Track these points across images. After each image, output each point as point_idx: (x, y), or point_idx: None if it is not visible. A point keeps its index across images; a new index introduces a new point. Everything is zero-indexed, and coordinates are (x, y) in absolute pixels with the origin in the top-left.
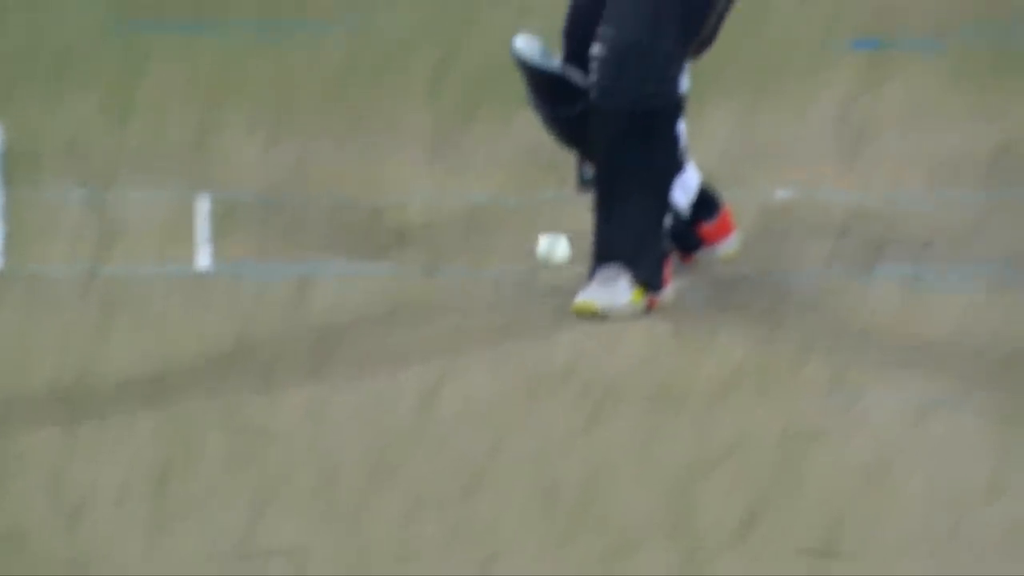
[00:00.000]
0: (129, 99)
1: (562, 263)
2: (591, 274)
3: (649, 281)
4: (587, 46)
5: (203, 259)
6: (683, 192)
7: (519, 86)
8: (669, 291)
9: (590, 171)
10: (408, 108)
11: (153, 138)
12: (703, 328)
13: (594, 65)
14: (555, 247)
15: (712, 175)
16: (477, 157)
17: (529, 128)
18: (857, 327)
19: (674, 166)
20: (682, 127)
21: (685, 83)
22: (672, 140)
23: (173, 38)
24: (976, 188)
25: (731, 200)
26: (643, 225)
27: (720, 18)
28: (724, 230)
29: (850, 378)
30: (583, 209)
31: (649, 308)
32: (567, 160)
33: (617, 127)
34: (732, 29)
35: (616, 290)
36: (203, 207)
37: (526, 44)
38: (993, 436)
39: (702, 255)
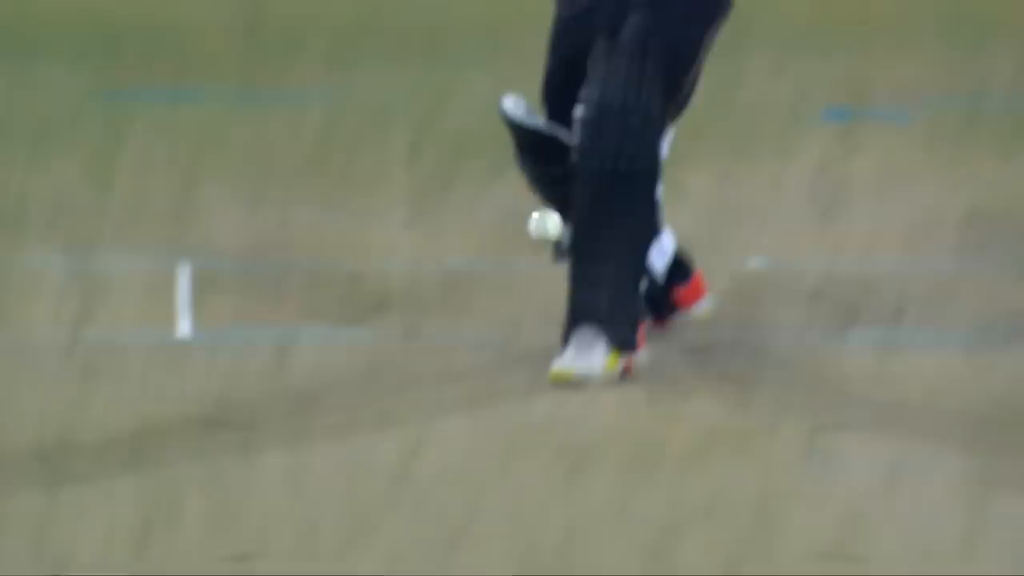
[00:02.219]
0: (111, 166)
1: (556, 237)
2: (565, 337)
3: (624, 343)
4: (567, 109)
5: (184, 324)
6: (659, 256)
7: (496, 153)
8: (643, 355)
9: (566, 241)
10: (387, 174)
11: (135, 204)
12: (678, 391)
13: (577, 127)
14: (547, 223)
15: (686, 242)
16: (455, 223)
17: (506, 195)
18: (831, 390)
19: (652, 229)
20: (660, 191)
21: (666, 147)
22: (652, 203)
23: (154, 106)
24: (947, 253)
25: (705, 267)
26: (619, 287)
27: (695, 82)
28: (697, 293)
29: (824, 441)
30: (559, 277)
31: (624, 373)
32: None
33: (598, 188)
34: (704, 99)
35: (592, 356)
36: (184, 272)
37: (513, 103)
38: (966, 499)
39: (676, 320)
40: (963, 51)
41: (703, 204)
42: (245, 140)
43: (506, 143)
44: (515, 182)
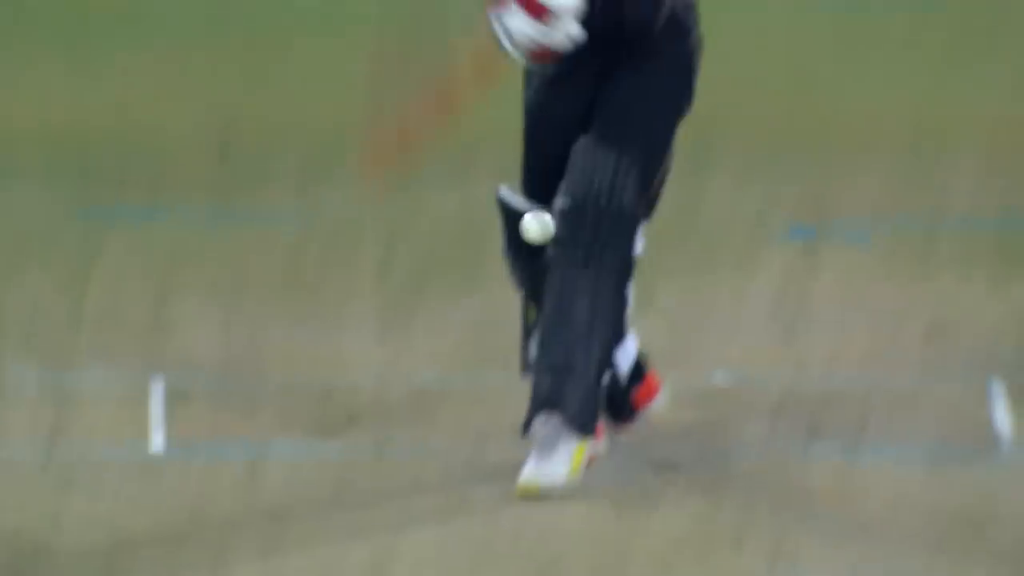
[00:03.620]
0: (85, 282)
1: (545, 235)
2: (526, 426)
3: (584, 428)
4: (548, 201)
5: (157, 438)
6: (624, 357)
7: (465, 269)
8: (603, 445)
9: (535, 354)
10: (358, 290)
11: (109, 320)
12: (644, 503)
13: (555, 218)
14: (544, 223)
15: (651, 354)
16: (425, 337)
17: (475, 310)
18: (795, 504)
19: (621, 323)
20: (632, 289)
21: (640, 244)
22: (623, 297)
23: (128, 223)
24: (909, 369)
25: (671, 379)
26: (583, 376)
27: (665, 174)
28: (653, 390)
29: (789, 553)
30: (527, 392)
31: (588, 464)
32: (513, 342)
33: (572, 278)
34: (668, 214)
35: (555, 461)
36: (158, 387)
37: (509, 192)
38: None
39: (635, 421)
40: (924, 169)
41: (668, 317)
42: (218, 257)
43: (474, 259)
44: (483, 297)
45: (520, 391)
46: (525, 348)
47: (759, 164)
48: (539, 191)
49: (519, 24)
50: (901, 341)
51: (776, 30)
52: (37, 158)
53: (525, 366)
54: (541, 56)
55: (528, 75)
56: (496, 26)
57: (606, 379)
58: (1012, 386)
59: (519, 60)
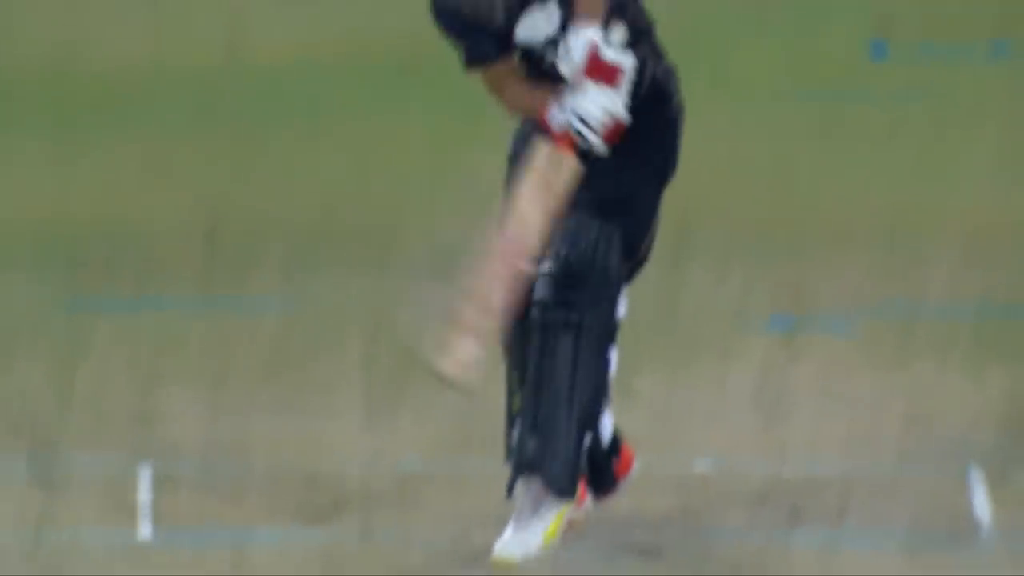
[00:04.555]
0: (73, 370)
1: None
2: (510, 487)
3: (564, 491)
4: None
5: (145, 525)
6: (607, 423)
7: None
8: (583, 511)
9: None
10: (343, 377)
11: (97, 408)
12: None
13: (540, 281)
14: None
15: (632, 446)
16: (409, 424)
17: (459, 398)
18: None
19: (604, 388)
20: (614, 355)
21: (623, 308)
22: (606, 361)
23: (116, 312)
24: (888, 457)
25: (651, 469)
26: (566, 439)
27: (652, 240)
28: (629, 461)
29: None
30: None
31: (568, 529)
32: (497, 429)
33: (555, 341)
34: (649, 304)
35: (532, 531)
36: (145, 474)
37: None
38: None
39: (615, 493)
40: (902, 258)
41: (650, 405)
42: (204, 344)
43: None
44: None
45: (504, 477)
46: (509, 434)
47: (739, 254)
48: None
49: (597, 100)
50: (880, 429)
51: (755, 121)
52: (25, 248)
53: (509, 452)
54: (614, 132)
55: (514, 153)
56: (568, 120)
57: (588, 442)
58: (991, 473)
59: (597, 147)
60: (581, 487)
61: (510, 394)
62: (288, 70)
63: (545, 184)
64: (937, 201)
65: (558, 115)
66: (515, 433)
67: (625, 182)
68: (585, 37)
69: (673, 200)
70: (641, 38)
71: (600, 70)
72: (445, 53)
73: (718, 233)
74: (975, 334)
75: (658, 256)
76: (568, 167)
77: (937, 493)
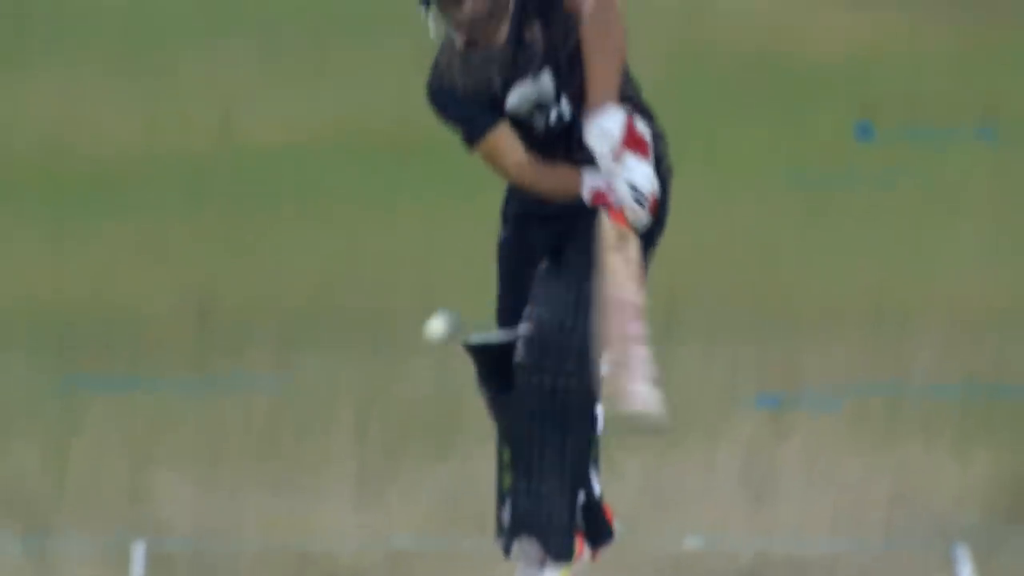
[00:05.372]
0: (68, 450)
1: (445, 333)
2: (507, 549)
3: (561, 554)
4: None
5: None
6: (596, 474)
7: (440, 435)
8: (583, 560)
9: (507, 518)
10: (335, 456)
11: (91, 487)
12: None
13: (520, 343)
14: (445, 322)
15: (623, 523)
16: (401, 502)
17: (450, 475)
18: None
19: (592, 444)
20: (600, 412)
21: (605, 366)
22: (592, 419)
23: (109, 392)
24: (875, 534)
25: (642, 547)
26: (559, 500)
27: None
28: (610, 514)
29: None
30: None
31: None
32: (488, 506)
33: (539, 404)
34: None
35: None
36: (138, 552)
37: (479, 336)
38: None
39: (610, 543)
40: (887, 338)
41: (638, 485)
42: (196, 424)
43: (449, 425)
44: (458, 462)
45: (495, 554)
46: (500, 512)
47: (727, 332)
48: (512, 321)
49: (642, 171)
50: (867, 507)
51: (743, 202)
52: (20, 330)
53: (500, 530)
54: (654, 203)
55: (504, 212)
56: (626, 192)
57: (582, 499)
58: (976, 551)
59: (644, 218)
60: (579, 542)
61: (500, 471)
62: (280, 153)
63: (624, 258)
64: (923, 281)
65: (615, 190)
66: (506, 510)
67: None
68: (618, 112)
69: (661, 279)
70: (631, 101)
71: (636, 142)
72: (437, 136)
73: (706, 312)
74: (961, 414)
75: (646, 334)
76: (631, 235)
77: (923, 571)
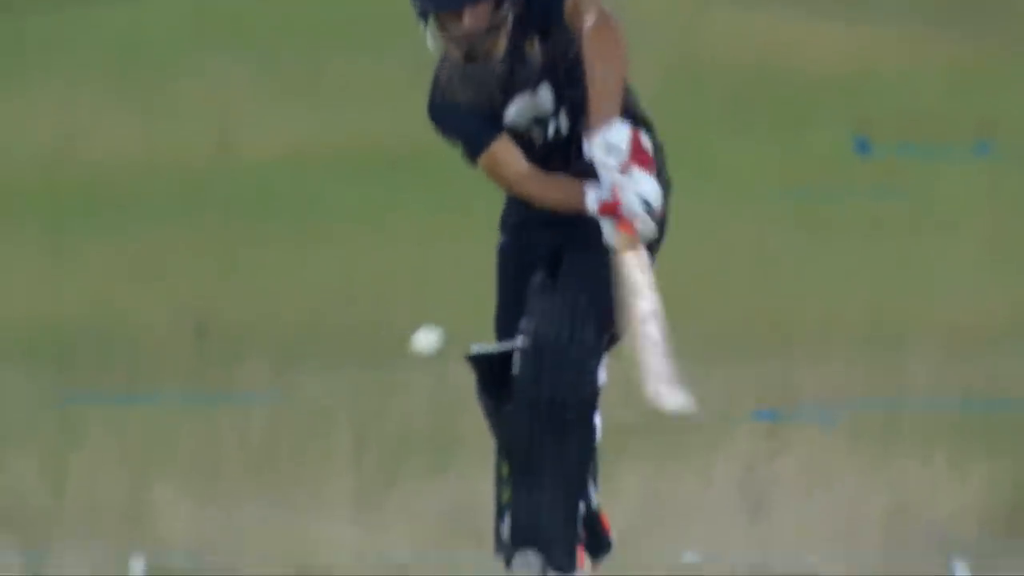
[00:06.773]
0: (65, 466)
1: (432, 348)
2: (508, 562)
3: (563, 567)
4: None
5: None
6: (594, 485)
7: (438, 451)
8: (585, 570)
9: (506, 533)
10: (333, 472)
11: (89, 503)
12: None
13: (517, 357)
14: (432, 336)
15: (621, 538)
16: (399, 518)
17: (448, 490)
18: None
19: (592, 455)
20: (598, 421)
21: (603, 375)
22: (591, 430)
23: (107, 409)
24: (872, 548)
25: (640, 562)
26: (559, 513)
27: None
28: (607, 529)
29: None
30: (499, 569)
31: None
32: (487, 522)
33: (537, 416)
34: (632, 397)
35: None
36: (137, 568)
37: (479, 346)
38: None
39: (610, 553)
40: (885, 353)
41: (637, 500)
42: (194, 439)
43: (447, 441)
44: (456, 478)
45: (494, 569)
46: (499, 527)
47: (723, 348)
48: (511, 329)
49: (651, 184)
50: (864, 522)
51: (740, 217)
52: (17, 345)
53: (499, 544)
54: (661, 215)
55: (504, 221)
56: (637, 204)
57: (582, 510)
58: (973, 565)
59: (651, 229)
60: (580, 554)
61: (499, 486)
62: (277, 169)
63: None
64: (919, 297)
65: (624, 202)
66: (505, 524)
67: (602, 256)
68: (624, 126)
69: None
70: (631, 113)
71: (642, 155)
72: (434, 152)
73: (703, 327)
74: (957, 428)
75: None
76: (640, 244)
77: None
